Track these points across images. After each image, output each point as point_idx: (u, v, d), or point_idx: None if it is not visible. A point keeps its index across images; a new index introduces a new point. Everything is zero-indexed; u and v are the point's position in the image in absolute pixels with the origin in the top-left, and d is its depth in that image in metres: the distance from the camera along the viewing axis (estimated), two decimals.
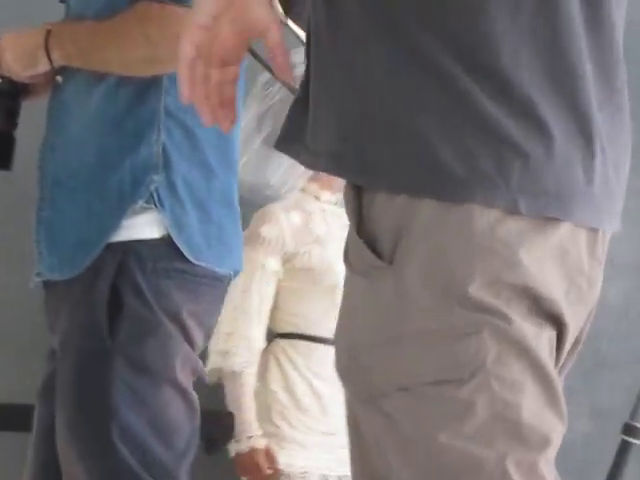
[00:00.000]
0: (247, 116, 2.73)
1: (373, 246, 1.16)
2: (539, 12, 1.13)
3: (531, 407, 1.12)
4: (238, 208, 1.91)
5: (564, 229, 1.14)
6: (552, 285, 1.14)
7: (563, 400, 1.15)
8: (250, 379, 2.76)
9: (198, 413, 1.82)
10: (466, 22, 1.12)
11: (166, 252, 1.76)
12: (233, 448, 2.74)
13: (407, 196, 1.13)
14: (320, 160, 1.19)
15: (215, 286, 1.83)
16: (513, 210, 1.11)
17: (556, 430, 1.14)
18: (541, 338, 1.13)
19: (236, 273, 1.88)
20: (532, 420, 1.12)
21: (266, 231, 2.77)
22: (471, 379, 1.11)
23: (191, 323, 1.78)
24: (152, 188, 1.76)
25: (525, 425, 1.11)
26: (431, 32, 1.13)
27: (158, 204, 1.76)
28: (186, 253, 1.76)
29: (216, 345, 2.66)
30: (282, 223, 2.80)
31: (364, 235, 1.17)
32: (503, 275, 1.12)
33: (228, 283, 1.87)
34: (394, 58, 1.14)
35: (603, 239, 1.20)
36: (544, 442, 1.12)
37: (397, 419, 1.14)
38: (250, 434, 2.72)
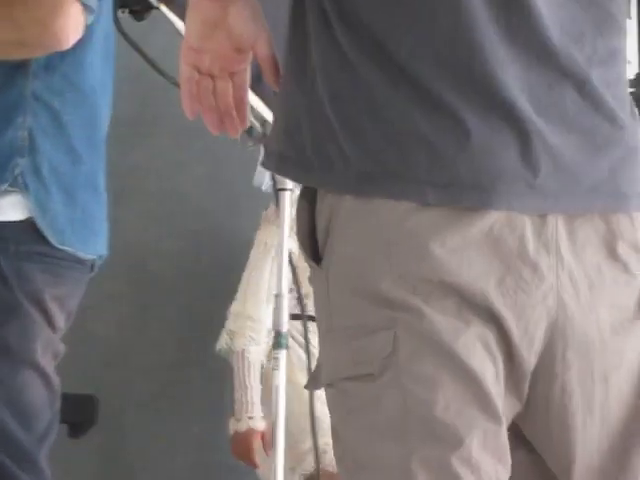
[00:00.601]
0: None
1: (315, 246, 1.18)
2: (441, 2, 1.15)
3: (446, 404, 1.10)
4: (105, 193, 1.91)
5: (495, 217, 1.13)
6: (476, 277, 1.13)
7: (496, 398, 1.12)
8: (256, 360, 2.74)
9: (59, 397, 1.81)
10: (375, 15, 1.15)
11: (29, 235, 1.75)
12: (232, 426, 2.72)
13: (332, 194, 1.16)
14: (270, 159, 1.22)
15: (79, 270, 1.82)
16: (423, 202, 1.12)
17: (479, 427, 1.11)
18: (466, 334, 1.11)
19: (101, 258, 1.88)
20: (446, 417, 1.10)
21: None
22: (381, 375, 1.12)
23: (54, 307, 1.77)
24: (17, 172, 1.75)
25: (438, 422, 1.10)
26: (346, 25, 1.16)
27: (23, 187, 1.74)
28: (49, 237, 1.75)
29: (227, 325, 2.67)
30: None
31: (304, 236, 1.20)
32: (414, 269, 1.12)
33: (92, 268, 1.87)
34: (323, 56, 1.17)
35: (568, 223, 1.17)
36: (458, 440, 1.10)
37: (329, 410, 1.17)
38: (251, 415, 2.70)
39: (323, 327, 1.18)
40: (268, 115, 2.10)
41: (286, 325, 2.25)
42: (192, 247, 3.15)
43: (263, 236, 2.59)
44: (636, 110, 1.24)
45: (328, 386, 1.17)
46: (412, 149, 1.13)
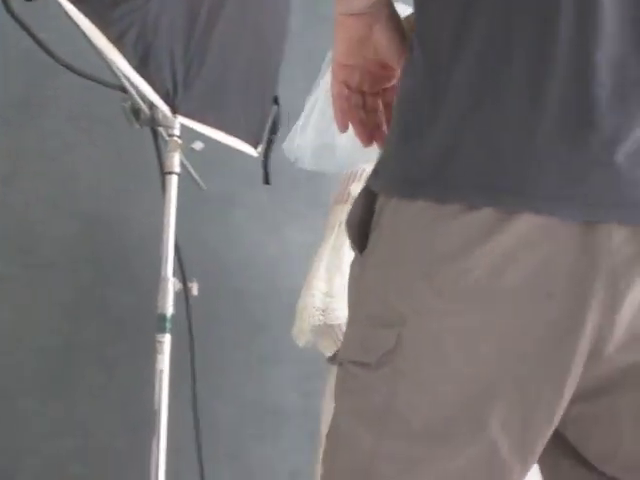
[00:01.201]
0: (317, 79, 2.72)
1: (363, 235, 1.22)
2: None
3: (427, 419, 1.11)
4: None
5: (532, 222, 1.11)
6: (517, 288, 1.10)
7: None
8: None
9: None
10: None
11: None
12: None
13: (383, 195, 1.18)
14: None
15: None
16: (468, 204, 1.11)
17: (459, 451, 1.12)
18: (479, 349, 1.10)
19: None
20: (423, 429, 1.11)
21: (355, 189, 2.73)
22: (377, 368, 1.14)
23: None
24: None
25: (413, 432, 1.12)
26: None
27: None
28: None
29: (313, 304, 2.59)
30: None
31: (352, 225, 1.23)
32: (444, 271, 1.11)
33: None
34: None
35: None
36: (431, 455, 1.12)
37: (335, 386, 1.22)
38: None
39: (350, 310, 1.22)
40: (156, 98, 2.10)
41: (171, 309, 2.25)
42: (83, 230, 3.13)
43: (336, 216, 2.60)
44: None
45: (339, 364, 1.21)
46: (385, 151, 1.17)
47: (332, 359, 1.24)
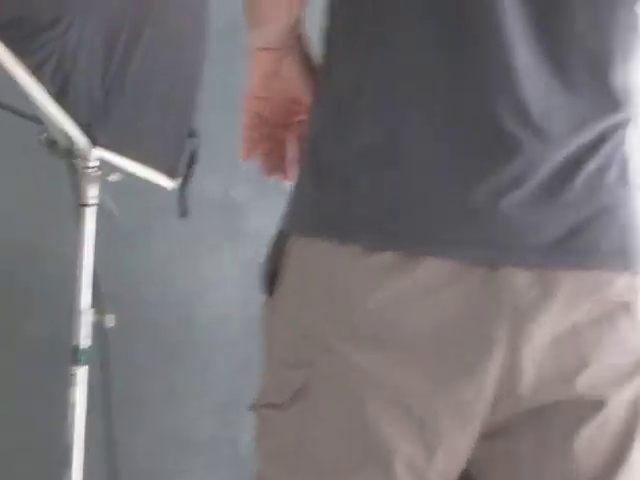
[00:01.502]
0: None
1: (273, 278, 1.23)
2: None
3: (335, 459, 1.13)
4: None
5: (437, 265, 1.12)
6: (414, 328, 1.12)
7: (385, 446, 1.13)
8: None
9: None
10: None
11: None
12: None
13: (292, 236, 1.20)
14: None
15: None
16: (369, 247, 1.13)
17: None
18: (384, 389, 1.12)
19: None
20: (330, 469, 1.14)
21: None
22: (289, 407, 1.16)
23: None
24: None
25: (327, 464, 1.14)
26: None
27: None
28: None
29: None
30: None
31: (263, 267, 1.25)
32: (349, 314, 1.13)
33: None
34: None
35: (539, 277, 1.14)
36: None
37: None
38: None
39: (264, 354, 1.23)
40: (73, 130, 2.09)
41: (86, 341, 2.23)
42: None
43: None
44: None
45: (255, 410, 1.22)
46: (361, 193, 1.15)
47: (251, 406, 1.25)
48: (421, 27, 1.14)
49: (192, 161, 2.47)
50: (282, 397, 1.16)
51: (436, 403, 1.12)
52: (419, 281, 1.11)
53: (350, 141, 1.16)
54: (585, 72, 1.17)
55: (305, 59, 1.33)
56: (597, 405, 1.17)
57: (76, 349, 2.21)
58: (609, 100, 1.19)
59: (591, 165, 1.17)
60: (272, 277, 1.22)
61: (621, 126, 1.21)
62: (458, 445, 1.15)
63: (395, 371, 1.12)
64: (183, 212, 2.48)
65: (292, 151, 1.36)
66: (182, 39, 2.39)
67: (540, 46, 1.14)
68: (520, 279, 1.12)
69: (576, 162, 1.16)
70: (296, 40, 1.32)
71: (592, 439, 1.17)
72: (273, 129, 1.36)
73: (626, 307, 1.18)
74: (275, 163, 1.38)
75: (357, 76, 1.17)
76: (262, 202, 3.06)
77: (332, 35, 1.23)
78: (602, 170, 1.18)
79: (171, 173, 2.46)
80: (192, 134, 2.52)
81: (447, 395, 1.12)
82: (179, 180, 2.49)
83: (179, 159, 2.49)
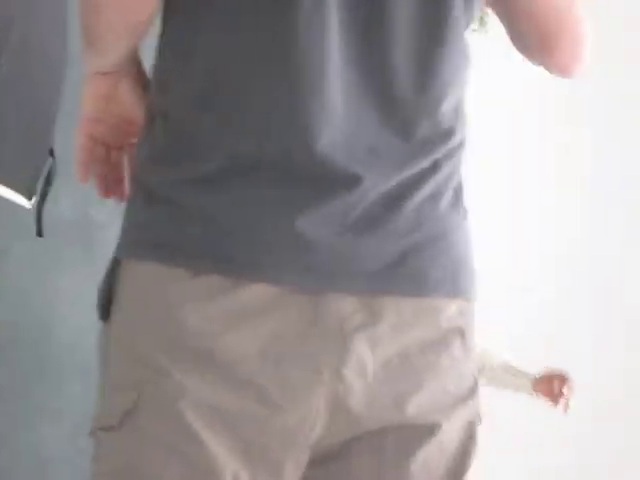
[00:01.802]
0: None
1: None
2: None
3: (159, 474, 1.13)
4: None
5: (262, 290, 1.14)
6: (239, 349, 1.12)
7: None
8: None
9: None
10: None
11: None
12: None
13: (124, 261, 1.21)
14: None
15: None
16: (192, 269, 1.14)
17: None
18: (203, 405, 1.12)
19: None
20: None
21: None
22: (119, 429, 1.15)
23: None
24: None
25: None
26: None
27: None
28: None
29: None
30: None
31: (99, 294, 1.25)
32: (172, 335, 1.13)
33: None
34: None
35: (361, 303, 1.15)
36: None
37: None
38: None
39: (101, 380, 1.22)
40: None
41: None
42: None
43: None
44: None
45: (91, 435, 1.20)
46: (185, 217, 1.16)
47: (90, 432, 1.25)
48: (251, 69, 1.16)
49: (49, 180, 2.45)
50: (113, 419, 1.16)
51: (260, 425, 1.13)
52: (245, 305, 1.12)
53: (180, 165, 1.17)
54: (412, 103, 1.19)
55: (141, 81, 1.34)
56: (431, 429, 1.18)
57: None
58: (440, 128, 1.21)
59: (423, 193, 1.19)
60: (107, 303, 1.23)
61: (454, 152, 1.24)
62: (284, 468, 1.15)
63: (220, 392, 1.13)
64: (39, 231, 2.46)
65: (128, 173, 1.37)
66: (42, 62, 2.38)
67: (365, 80, 1.17)
68: (345, 305, 1.13)
69: (407, 190, 1.18)
70: (133, 64, 1.33)
71: (427, 461, 1.19)
72: (108, 151, 1.37)
73: (460, 333, 1.21)
74: (111, 184, 1.38)
75: (190, 99, 1.19)
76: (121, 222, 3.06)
77: (162, 64, 1.25)
78: (435, 197, 1.20)
79: (27, 192, 2.44)
80: (50, 153, 2.51)
81: (272, 418, 1.13)
82: (35, 200, 2.47)
83: (37, 178, 2.47)
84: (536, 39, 1.28)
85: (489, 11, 1.73)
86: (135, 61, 1.33)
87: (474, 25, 1.99)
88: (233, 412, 1.13)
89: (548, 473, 3.69)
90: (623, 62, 3.92)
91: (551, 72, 1.36)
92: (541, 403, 2.85)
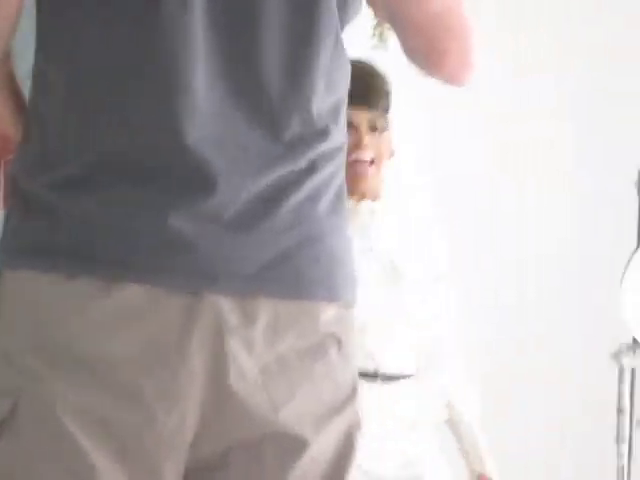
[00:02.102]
0: None
1: None
2: None
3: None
4: None
5: (136, 291, 1.13)
6: (115, 352, 1.11)
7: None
8: None
9: None
10: None
11: None
12: None
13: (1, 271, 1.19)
14: None
15: None
16: (66, 273, 1.14)
17: None
18: (86, 411, 1.12)
19: None
20: None
21: None
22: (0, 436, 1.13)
23: None
24: None
25: None
26: None
27: None
28: None
29: None
30: None
31: None
32: (50, 340, 1.12)
33: None
34: None
35: (238, 305, 1.15)
36: None
37: None
38: None
39: None
40: None
41: None
42: None
43: None
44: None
45: None
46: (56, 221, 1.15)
47: None
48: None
49: None
50: None
51: (138, 429, 1.12)
52: (120, 307, 1.11)
53: (51, 169, 1.16)
54: (281, 103, 1.19)
55: (15, 96, 1.31)
56: (306, 439, 1.17)
57: None
58: (313, 129, 1.20)
59: (300, 194, 1.18)
60: None
61: (334, 153, 1.23)
62: (163, 473, 1.14)
63: (98, 398, 1.11)
64: None
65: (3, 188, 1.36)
66: None
67: (233, 80, 1.17)
68: (221, 307, 1.13)
69: (282, 191, 1.17)
70: (5, 79, 1.30)
71: (305, 471, 1.18)
72: None
73: (337, 340, 1.19)
74: None
75: (58, 110, 1.18)
76: None
77: (35, 66, 1.24)
78: (313, 199, 1.19)
79: None
80: None
81: (149, 422, 1.12)
82: None
83: None
84: (424, 49, 1.29)
85: (388, 26, 1.73)
86: (6, 75, 1.30)
87: (374, 41, 1.97)
88: (111, 417, 1.12)
89: None
90: (608, 57, 3.90)
91: (442, 81, 1.36)
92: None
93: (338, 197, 1.24)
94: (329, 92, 1.23)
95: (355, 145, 2.42)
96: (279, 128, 1.19)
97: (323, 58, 1.21)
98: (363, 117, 2.43)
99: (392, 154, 2.59)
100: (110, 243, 1.13)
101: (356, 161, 2.44)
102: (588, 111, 3.70)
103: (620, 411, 2.85)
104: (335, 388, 1.20)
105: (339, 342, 1.21)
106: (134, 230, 1.13)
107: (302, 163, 1.19)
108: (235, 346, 1.14)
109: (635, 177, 2.90)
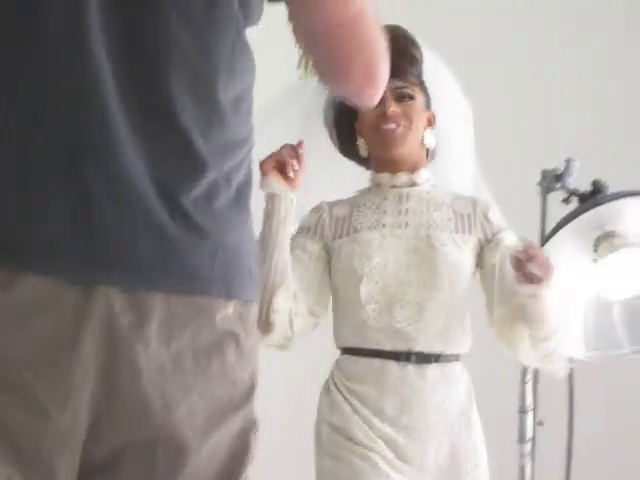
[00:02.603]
0: None
1: None
2: None
3: None
4: None
5: (33, 282, 1.11)
6: (5, 348, 1.09)
7: None
8: None
9: None
10: None
11: None
12: None
13: None
14: None
15: None
16: None
17: None
18: None
19: None
20: None
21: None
22: None
23: None
24: None
25: None
26: None
27: None
28: None
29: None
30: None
31: None
32: None
33: None
34: None
35: (133, 300, 1.13)
36: None
37: None
38: None
39: None
40: None
41: None
42: None
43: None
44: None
45: None
46: None
47: None
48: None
49: None
50: None
51: (32, 429, 1.10)
52: (18, 301, 1.08)
53: None
54: (179, 94, 1.16)
55: None
56: (199, 441, 1.15)
57: None
58: (210, 122, 1.18)
59: (198, 190, 1.16)
60: None
61: (234, 149, 1.20)
62: (58, 472, 1.12)
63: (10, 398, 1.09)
64: None
65: None
66: None
67: (127, 91, 1.14)
68: (115, 300, 1.10)
69: (180, 186, 1.15)
70: None
71: (197, 471, 1.16)
72: None
73: (235, 337, 1.18)
74: None
75: None
76: None
77: None
78: (209, 196, 1.17)
79: None
80: None
81: (43, 421, 1.10)
82: None
83: None
84: (329, 61, 1.28)
85: None
86: None
87: (300, 72, 1.96)
88: (3, 416, 1.10)
89: None
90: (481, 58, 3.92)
91: (350, 100, 1.38)
92: None
93: (240, 192, 1.21)
94: (232, 82, 1.21)
95: (381, 115, 2.42)
96: (174, 119, 1.16)
97: (223, 58, 1.20)
98: (387, 86, 2.34)
99: (430, 123, 2.54)
100: (12, 230, 1.10)
101: (382, 130, 2.44)
102: (489, 110, 3.72)
103: (523, 411, 2.87)
104: (231, 387, 1.19)
105: (237, 340, 1.19)
106: (37, 218, 1.10)
107: (201, 160, 1.17)
108: (129, 343, 1.12)
109: (538, 178, 2.92)
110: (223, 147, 1.20)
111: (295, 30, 1.29)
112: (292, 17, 1.26)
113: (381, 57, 1.30)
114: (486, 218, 2.53)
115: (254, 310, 1.23)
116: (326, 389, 2.48)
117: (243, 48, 1.23)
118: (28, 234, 1.10)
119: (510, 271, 2.32)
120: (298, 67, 1.94)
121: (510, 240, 2.47)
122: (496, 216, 2.55)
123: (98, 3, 1.12)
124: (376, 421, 2.38)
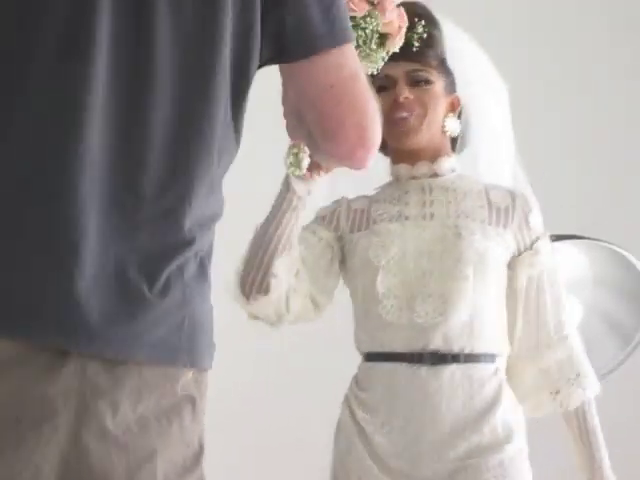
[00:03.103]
0: None
1: None
2: None
3: None
4: None
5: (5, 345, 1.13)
6: None
7: None
8: None
9: None
10: None
11: None
12: None
13: None
14: None
15: None
16: None
17: None
18: None
19: None
20: None
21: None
22: None
23: None
24: None
25: None
26: None
27: None
28: None
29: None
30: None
31: None
32: None
33: None
34: None
35: (106, 367, 1.16)
36: None
37: None
38: None
39: None
40: None
41: None
42: None
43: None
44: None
45: None
46: None
47: None
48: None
49: None
50: None
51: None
52: None
53: None
54: (155, 177, 1.21)
55: None
56: None
57: None
58: (185, 201, 1.22)
59: (172, 264, 1.21)
60: None
61: (204, 222, 1.25)
62: None
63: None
64: None
65: None
66: None
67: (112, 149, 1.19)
68: (88, 368, 1.15)
69: (154, 259, 1.20)
70: None
71: None
72: None
73: (192, 401, 1.23)
74: None
75: None
76: None
77: None
78: (181, 268, 1.21)
79: None
80: None
81: (7, 477, 1.12)
82: None
83: None
84: (320, 124, 1.30)
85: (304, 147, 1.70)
86: None
87: (291, 168, 1.88)
88: None
89: None
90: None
91: (342, 164, 1.37)
92: None
93: (201, 263, 1.26)
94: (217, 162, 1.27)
95: (393, 102, 2.20)
96: (148, 199, 1.21)
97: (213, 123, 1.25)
98: (400, 70, 2.19)
99: (454, 108, 2.29)
100: None
101: (393, 119, 2.19)
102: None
103: None
104: (185, 449, 1.23)
105: (193, 403, 1.24)
106: (11, 285, 1.14)
107: (174, 233, 1.23)
108: (100, 407, 1.16)
109: None
110: (197, 222, 1.24)
111: (286, 95, 1.34)
112: (285, 79, 1.31)
113: (373, 119, 1.31)
114: (526, 219, 2.27)
115: (207, 376, 1.27)
116: (343, 401, 2.30)
117: (228, 125, 1.28)
118: (8, 296, 1.13)
119: (536, 299, 2.23)
120: (286, 158, 1.87)
121: (546, 252, 2.26)
122: (538, 217, 2.30)
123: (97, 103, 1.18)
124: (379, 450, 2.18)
